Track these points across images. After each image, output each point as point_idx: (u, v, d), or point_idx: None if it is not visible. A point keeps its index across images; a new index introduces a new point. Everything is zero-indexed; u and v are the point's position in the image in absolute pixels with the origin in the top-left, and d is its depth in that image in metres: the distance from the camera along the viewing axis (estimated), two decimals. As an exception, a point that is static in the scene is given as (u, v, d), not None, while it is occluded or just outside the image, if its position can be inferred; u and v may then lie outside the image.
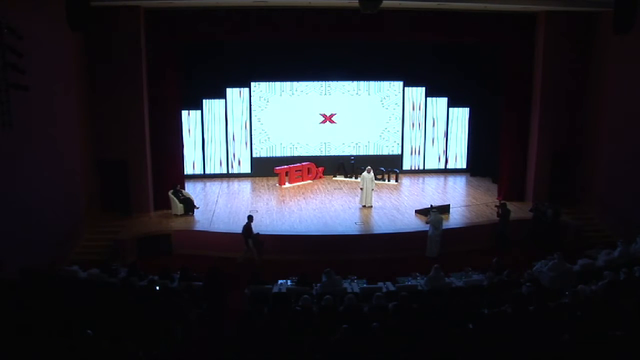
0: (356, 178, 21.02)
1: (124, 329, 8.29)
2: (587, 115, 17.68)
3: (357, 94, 22.16)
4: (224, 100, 21.48)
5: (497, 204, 16.13)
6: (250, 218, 14.61)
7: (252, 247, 14.33)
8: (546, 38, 17.17)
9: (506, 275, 11.17)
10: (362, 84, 22.10)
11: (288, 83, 21.73)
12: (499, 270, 11.50)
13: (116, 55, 15.99)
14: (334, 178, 21.85)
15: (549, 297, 9.78)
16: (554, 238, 15.21)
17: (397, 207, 17.94)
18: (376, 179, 19.12)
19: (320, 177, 21.78)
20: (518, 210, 17.26)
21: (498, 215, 15.63)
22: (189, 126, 21.25)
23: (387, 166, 21.66)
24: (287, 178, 20.92)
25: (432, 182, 21.66)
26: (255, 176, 21.86)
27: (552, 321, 8.51)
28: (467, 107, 22.48)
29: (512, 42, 17.79)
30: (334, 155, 22.30)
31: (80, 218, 15.40)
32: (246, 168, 22.10)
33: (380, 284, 11.43)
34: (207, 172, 21.83)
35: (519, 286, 10.59)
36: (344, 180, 21.57)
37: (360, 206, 17.80)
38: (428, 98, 22.47)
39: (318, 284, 11.16)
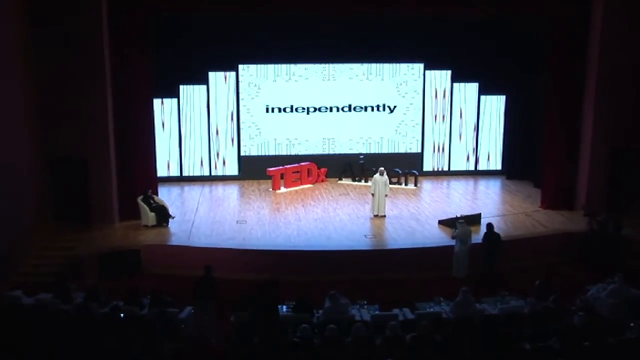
0: (366, 181, 20.93)
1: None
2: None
3: (367, 78, 22.10)
4: (205, 87, 21.46)
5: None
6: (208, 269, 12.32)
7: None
8: (606, 2, 16.96)
9: (552, 301, 11.04)
10: (374, 67, 22.03)
11: (284, 66, 21.68)
12: (543, 294, 11.38)
13: (71, 30, 15.88)
14: (339, 181, 21.84)
15: (608, 330, 9.69)
16: (614, 256, 14.99)
17: (416, 216, 17.89)
18: (391, 182, 19.05)
19: (322, 180, 21.75)
20: (567, 221, 17.16)
21: (487, 242, 14.79)
22: (163, 118, 21.23)
23: (404, 167, 21.60)
24: (282, 181, 20.87)
25: (459, 186, 21.61)
26: (244, 179, 21.84)
27: (612, 360, 8.40)
28: (502, 94, 22.42)
29: (561, 11, 17.61)
30: (340, 154, 22.27)
31: (27, 230, 15.28)
32: (233, 169, 22.07)
33: (395, 310, 11.39)
34: (185, 174, 21.83)
35: (569, 315, 10.51)
36: (351, 184, 21.53)
37: (372, 215, 17.74)
38: (454, 83, 22.41)
39: (320, 311, 11.12)
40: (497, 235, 14.85)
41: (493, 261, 14.64)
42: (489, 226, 14.93)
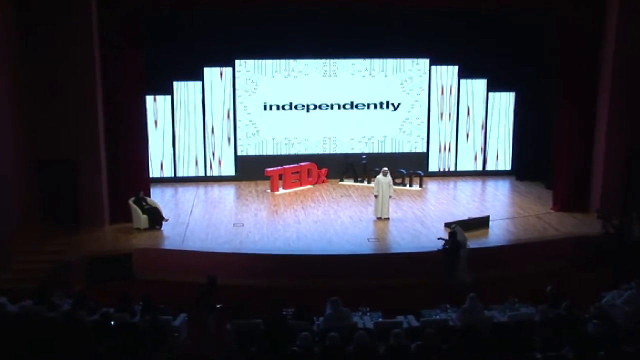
0: (369, 182, 20.92)
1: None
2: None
3: (370, 74, 22.11)
4: (200, 83, 21.47)
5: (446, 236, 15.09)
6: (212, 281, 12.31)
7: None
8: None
9: (565, 308, 10.97)
10: (377, 62, 22.04)
11: (283, 61, 21.68)
12: (555, 301, 11.32)
13: (60, 29, 15.87)
14: (340, 182, 21.86)
15: (625, 339, 9.61)
16: (632, 261, 14.93)
17: (421, 219, 17.90)
18: (395, 183, 19.05)
19: (323, 181, 21.78)
20: (580, 224, 17.16)
21: (446, 247, 14.63)
22: (156, 116, 21.26)
23: (409, 167, 21.62)
24: (281, 182, 20.89)
25: (466, 187, 21.67)
26: (241, 180, 21.86)
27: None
28: (512, 91, 22.43)
29: (573, 4, 17.62)
30: (341, 154, 22.28)
31: (12, 234, 15.23)
32: (229, 169, 22.10)
33: (399, 318, 11.36)
34: (179, 174, 21.86)
35: (583, 324, 10.47)
36: (353, 185, 21.57)
37: (375, 218, 17.77)
38: (462, 80, 22.42)
39: (320, 318, 11.10)
40: (457, 243, 14.51)
41: (453, 270, 14.43)
42: (451, 234, 14.66)
